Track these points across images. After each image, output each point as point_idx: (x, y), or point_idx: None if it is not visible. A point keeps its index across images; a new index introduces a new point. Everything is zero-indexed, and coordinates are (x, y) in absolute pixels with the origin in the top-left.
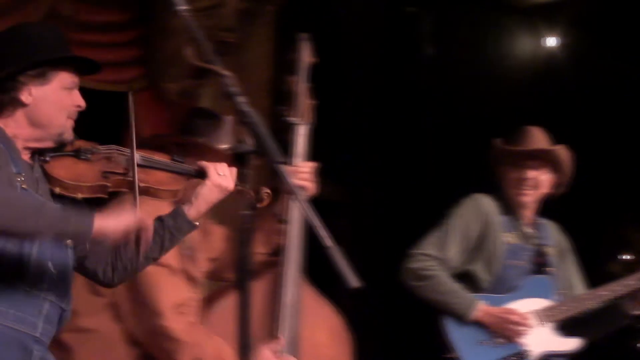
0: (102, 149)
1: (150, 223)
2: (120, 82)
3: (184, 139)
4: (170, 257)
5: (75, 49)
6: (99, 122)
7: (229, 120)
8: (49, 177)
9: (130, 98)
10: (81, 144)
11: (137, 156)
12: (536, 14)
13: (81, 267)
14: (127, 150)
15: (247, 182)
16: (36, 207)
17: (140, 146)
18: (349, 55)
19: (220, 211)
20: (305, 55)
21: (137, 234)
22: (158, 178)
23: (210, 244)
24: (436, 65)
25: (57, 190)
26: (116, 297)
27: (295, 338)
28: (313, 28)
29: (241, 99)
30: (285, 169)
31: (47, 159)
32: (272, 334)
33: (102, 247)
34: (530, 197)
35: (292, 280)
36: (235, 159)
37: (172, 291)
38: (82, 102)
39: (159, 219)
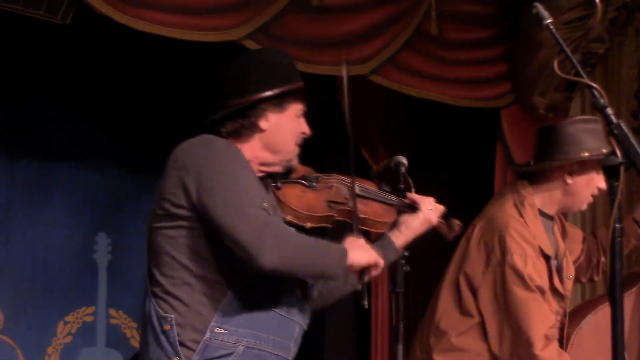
0: (326, 177)
1: (382, 262)
2: (489, 99)
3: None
4: (540, 278)
5: (444, 66)
6: (469, 139)
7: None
8: (282, 205)
9: (347, 119)
10: (301, 169)
11: (357, 186)
12: None
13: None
14: (347, 180)
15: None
16: (321, 248)
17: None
18: None
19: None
20: None
21: (368, 268)
22: (374, 209)
23: (570, 247)
24: None
25: (289, 218)
26: (483, 318)
27: None
28: None
29: (610, 111)
30: None
31: (279, 185)
32: None
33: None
34: None
35: None
36: (605, 171)
37: (543, 318)
38: (307, 130)
39: None
